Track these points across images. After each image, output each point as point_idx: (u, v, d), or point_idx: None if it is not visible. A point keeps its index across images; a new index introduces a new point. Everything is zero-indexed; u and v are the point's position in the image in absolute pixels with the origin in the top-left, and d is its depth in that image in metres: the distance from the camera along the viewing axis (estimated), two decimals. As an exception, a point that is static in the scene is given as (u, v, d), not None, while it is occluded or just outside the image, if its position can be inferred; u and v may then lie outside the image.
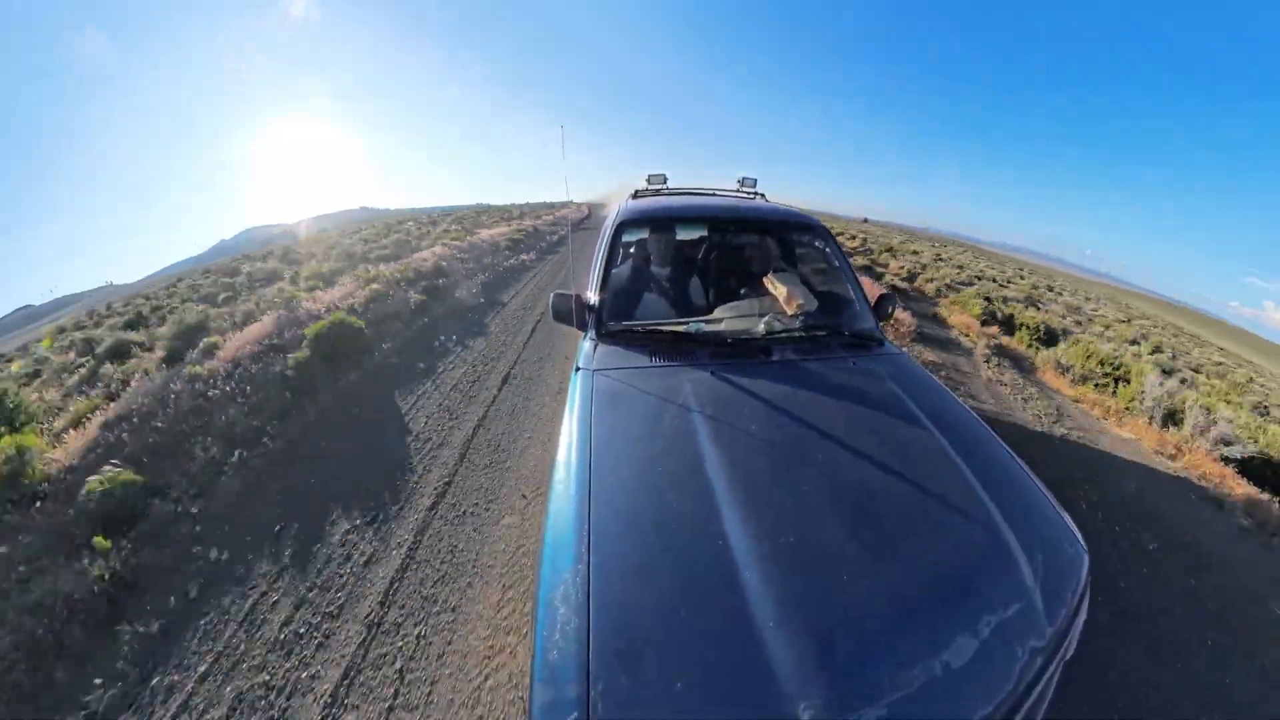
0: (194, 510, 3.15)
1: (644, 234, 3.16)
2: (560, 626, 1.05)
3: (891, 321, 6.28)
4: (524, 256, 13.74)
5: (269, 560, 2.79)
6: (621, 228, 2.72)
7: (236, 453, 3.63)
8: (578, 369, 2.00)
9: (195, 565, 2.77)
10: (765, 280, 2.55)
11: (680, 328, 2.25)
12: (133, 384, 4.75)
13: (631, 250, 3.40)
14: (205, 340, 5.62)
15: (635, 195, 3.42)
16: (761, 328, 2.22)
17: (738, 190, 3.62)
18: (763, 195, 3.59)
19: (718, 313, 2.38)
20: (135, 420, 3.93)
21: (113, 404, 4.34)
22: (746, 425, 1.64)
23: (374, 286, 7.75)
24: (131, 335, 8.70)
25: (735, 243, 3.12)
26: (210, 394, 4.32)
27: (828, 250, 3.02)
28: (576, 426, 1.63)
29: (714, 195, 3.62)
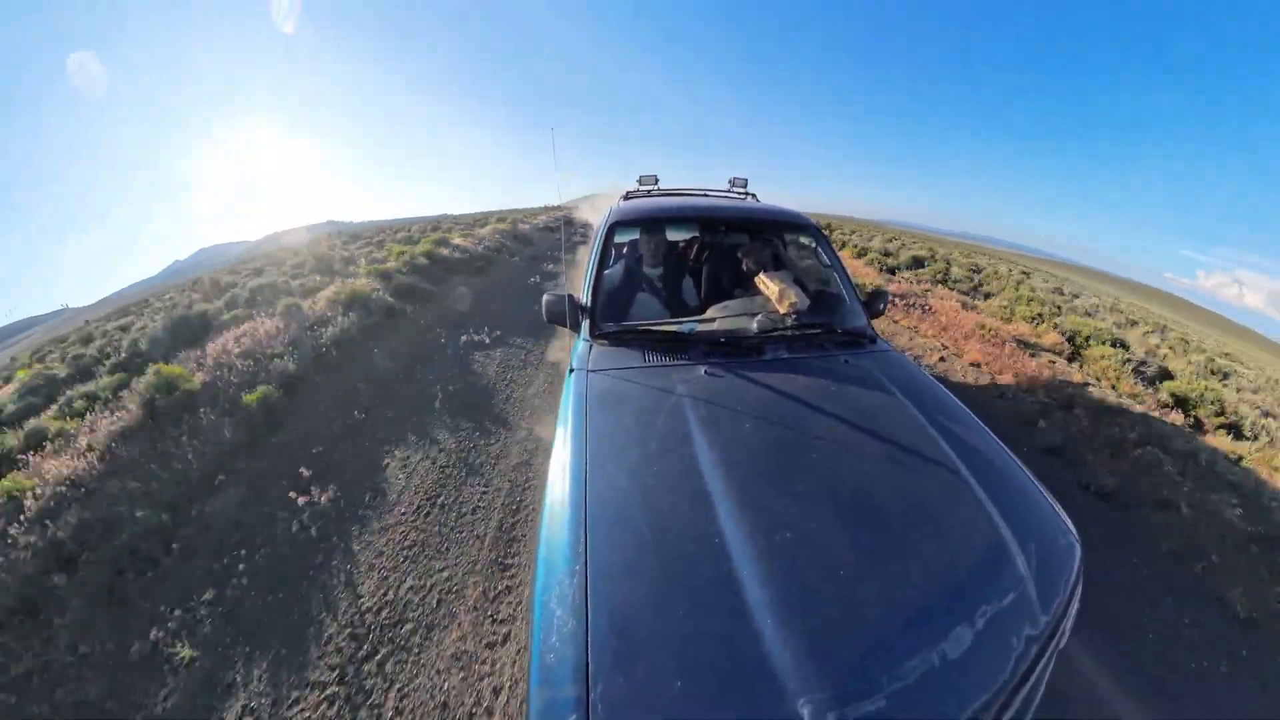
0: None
1: (636, 235, 3.16)
2: (558, 629, 1.04)
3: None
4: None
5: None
6: (614, 228, 2.72)
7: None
8: (572, 370, 2.00)
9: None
10: (757, 279, 2.55)
11: (673, 328, 2.25)
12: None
13: (624, 251, 3.40)
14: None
15: (627, 196, 3.42)
16: (754, 327, 2.22)
17: (728, 190, 3.63)
18: (754, 195, 3.60)
19: (710, 312, 2.39)
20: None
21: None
22: (741, 424, 1.64)
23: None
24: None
25: (727, 242, 3.12)
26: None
27: (819, 249, 3.04)
28: (571, 427, 1.63)
29: (705, 195, 3.63)
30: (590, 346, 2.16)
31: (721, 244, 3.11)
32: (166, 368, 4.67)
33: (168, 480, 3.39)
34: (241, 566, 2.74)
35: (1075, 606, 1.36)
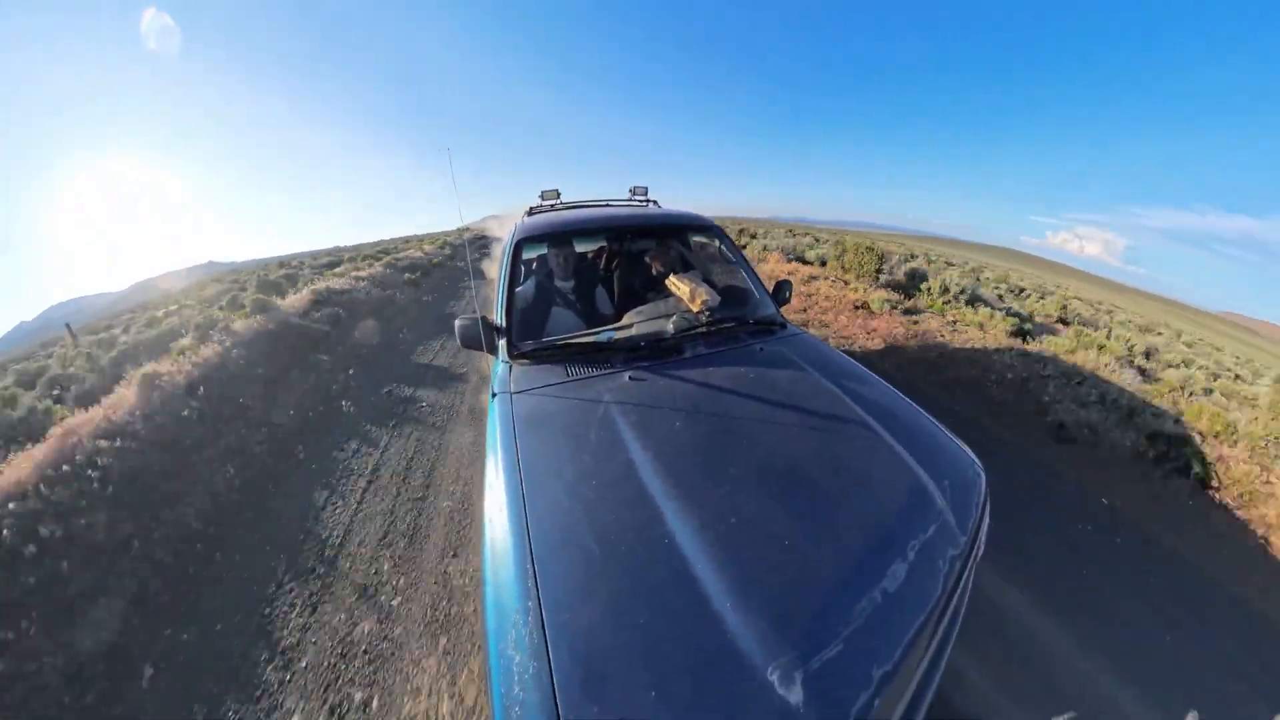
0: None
1: (543, 250, 3.12)
2: (519, 677, 0.99)
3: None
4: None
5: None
6: (520, 245, 2.67)
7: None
8: (494, 395, 1.93)
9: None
10: (668, 282, 2.61)
11: (592, 338, 2.25)
12: None
13: (533, 267, 3.35)
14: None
15: (530, 212, 3.38)
16: (671, 328, 2.26)
17: (630, 199, 3.70)
18: (655, 201, 3.69)
19: (626, 319, 2.41)
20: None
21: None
22: (671, 423, 1.67)
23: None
24: None
25: (635, 249, 3.17)
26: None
27: (723, 247, 3.17)
28: (501, 455, 1.57)
29: (608, 205, 3.67)
30: (510, 368, 2.11)
31: (629, 251, 3.15)
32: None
33: None
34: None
35: (986, 522, 1.56)
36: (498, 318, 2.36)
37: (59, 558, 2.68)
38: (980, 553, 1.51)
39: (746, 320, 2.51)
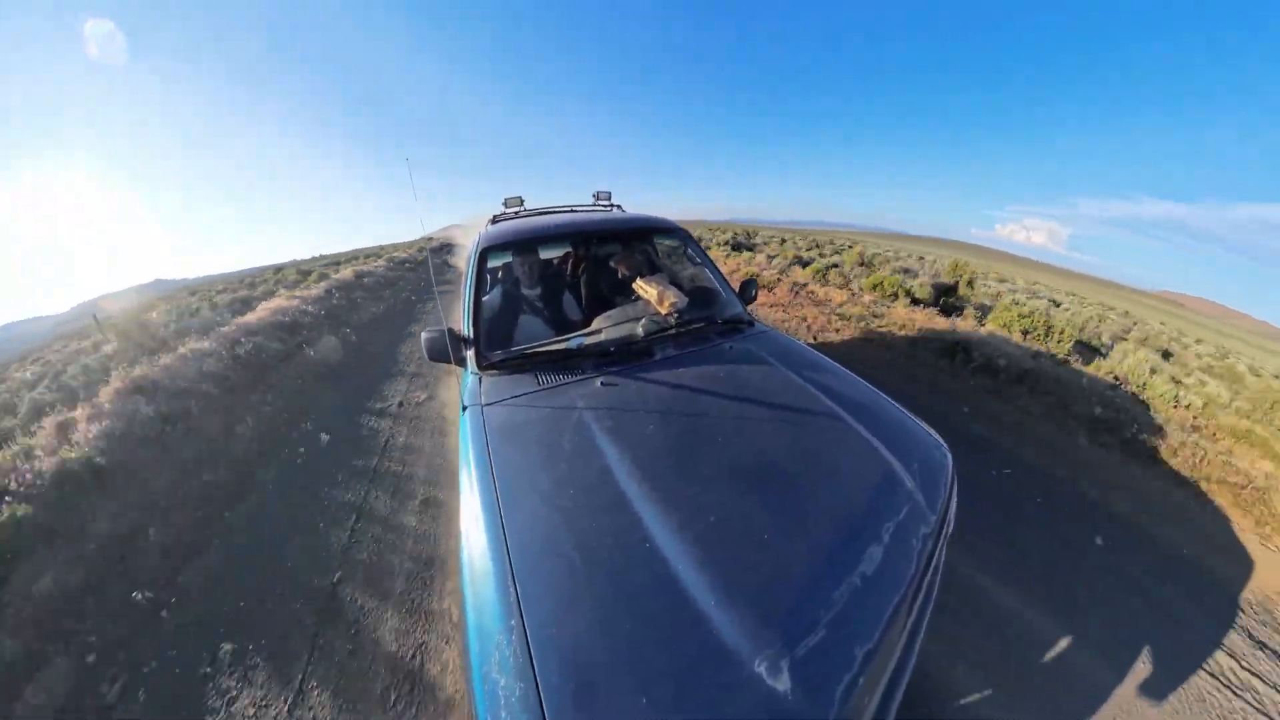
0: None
1: (508, 258, 3.09)
2: (505, 701, 0.97)
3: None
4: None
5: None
6: (485, 254, 2.63)
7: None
8: (465, 407, 1.90)
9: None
10: (635, 285, 2.62)
11: (562, 345, 2.23)
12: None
13: (499, 275, 3.32)
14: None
15: (494, 220, 3.34)
16: (640, 331, 2.28)
17: (594, 204, 3.69)
18: (619, 206, 3.70)
19: (595, 324, 2.40)
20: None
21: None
22: (644, 426, 1.67)
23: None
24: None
25: (601, 254, 3.17)
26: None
27: (688, 249, 3.20)
28: (475, 469, 1.54)
29: (572, 211, 3.66)
30: (480, 379, 2.07)
31: (595, 256, 3.15)
32: None
33: None
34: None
35: (955, 501, 1.64)
36: (465, 328, 2.32)
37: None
38: (950, 530, 1.59)
39: (715, 320, 2.54)
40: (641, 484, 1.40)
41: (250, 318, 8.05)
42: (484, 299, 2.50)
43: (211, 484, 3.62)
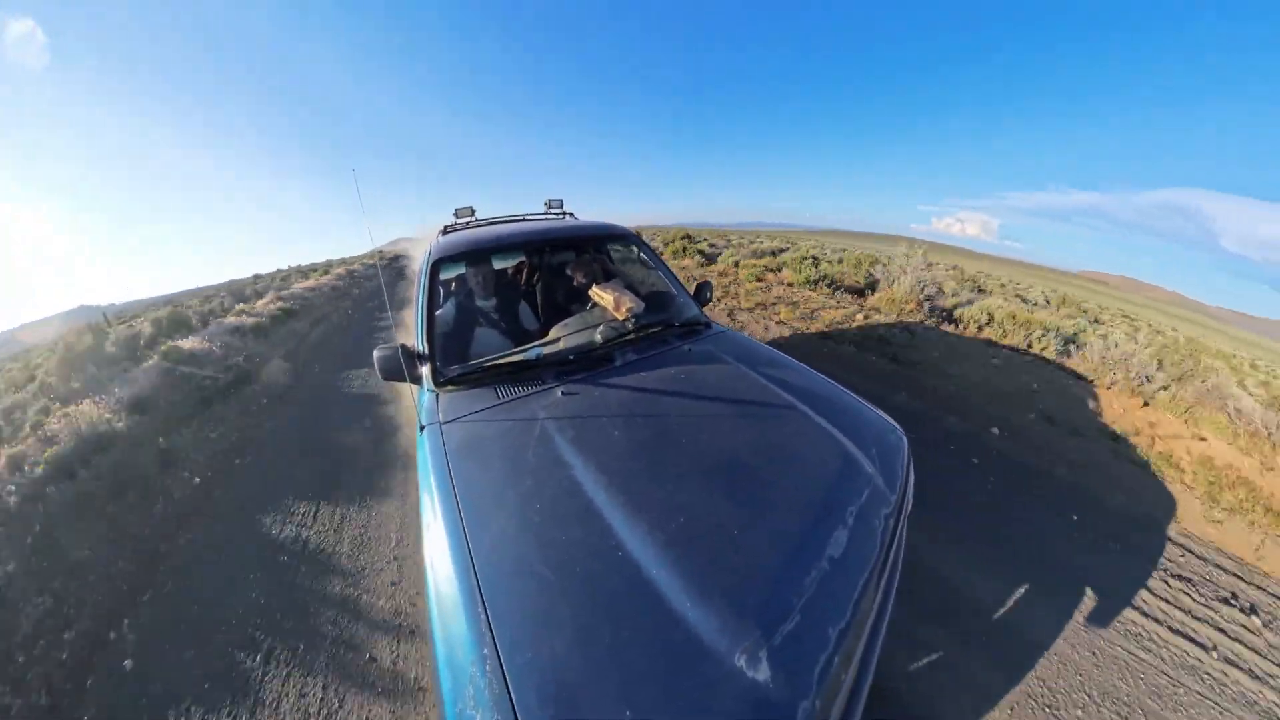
0: None
1: (461, 269, 3.03)
2: None
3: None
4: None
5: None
6: (437, 266, 2.55)
7: None
8: (422, 427, 1.85)
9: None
10: (591, 292, 2.62)
11: (520, 356, 2.20)
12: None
13: (453, 288, 3.25)
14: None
15: (445, 231, 3.26)
16: (598, 337, 2.28)
17: (546, 212, 3.66)
18: (571, 214, 3.68)
19: (553, 333, 2.38)
20: None
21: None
22: (609, 433, 1.68)
23: None
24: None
25: (555, 262, 3.15)
26: None
27: (642, 254, 3.22)
28: (437, 491, 1.49)
29: (524, 220, 3.62)
30: (437, 396, 2.01)
31: (550, 265, 3.13)
32: None
33: None
34: None
35: (912, 479, 1.74)
36: (418, 344, 2.25)
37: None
38: (909, 507, 1.68)
39: (672, 323, 2.56)
40: (609, 491, 1.40)
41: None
42: (437, 313, 2.44)
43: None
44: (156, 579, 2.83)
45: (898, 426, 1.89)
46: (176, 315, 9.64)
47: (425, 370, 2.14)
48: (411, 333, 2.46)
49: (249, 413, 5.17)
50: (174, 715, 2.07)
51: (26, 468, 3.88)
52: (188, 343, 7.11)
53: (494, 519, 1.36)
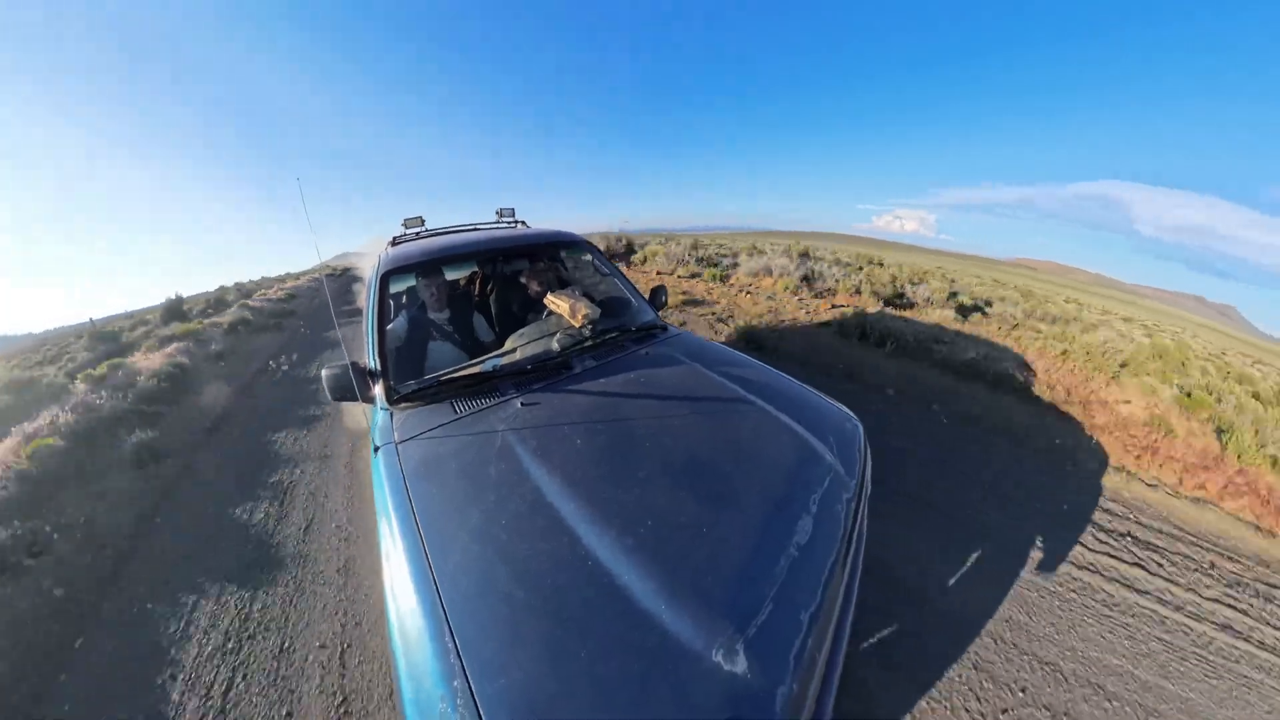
0: None
1: (412, 281, 2.96)
2: None
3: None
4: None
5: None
6: (387, 278, 2.47)
7: None
8: (376, 448, 1.77)
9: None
10: (547, 300, 2.60)
11: (477, 369, 2.16)
12: None
13: (404, 301, 3.17)
14: None
15: (394, 242, 3.16)
16: (556, 346, 2.27)
17: (497, 221, 3.61)
18: (523, 222, 3.65)
19: (509, 343, 2.35)
20: None
21: None
22: (571, 441, 1.67)
23: None
24: None
25: (509, 272, 3.12)
26: None
27: (596, 261, 3.24)
28: (395, 515, 1.42)
29: (476, 230, 3.56)
30: (391, 415, 1.94)
31: (504, 274, 3.10)
32: None
33: None
34: None
35: (870, 465, 1.82)
36: (370, 361, 2.17)
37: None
38: (869, 491, 1.76)
39: (629, 328, 2.58)
40: (575, 501, 1.39)
41: None
42: (389, 327, 2.37)
43: None
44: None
45: (853, 415, 1.97)
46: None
47: (378, 388, 2.07)
48: (361, 349, 2.38)
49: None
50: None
51: None
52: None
53: (457, 540, 1.31)
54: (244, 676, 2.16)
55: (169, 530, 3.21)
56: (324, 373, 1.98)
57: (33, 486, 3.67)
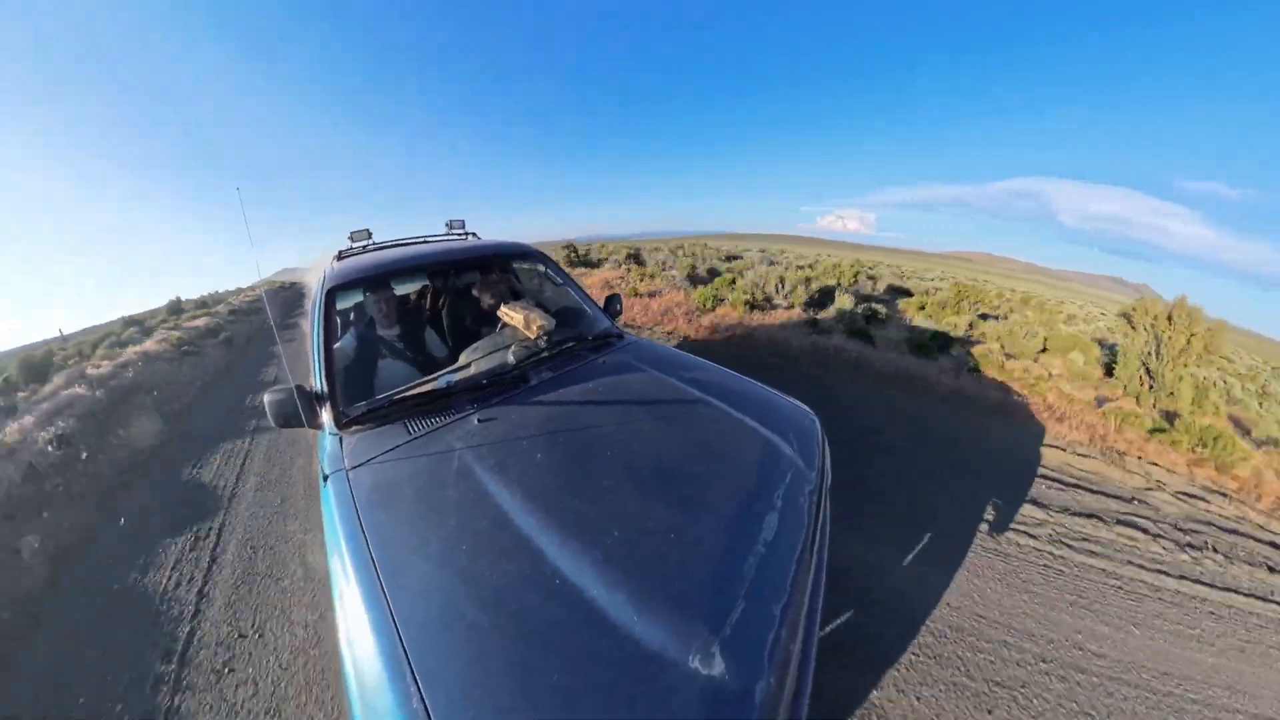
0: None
1: (360, 297, 2.86)
2: None
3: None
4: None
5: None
6: (333, 294, 2.34)
7: None
8: (325, 476, 1.67)
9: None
10: (500, 313, 2.56)
11: (430, 386, 2.09)
12: None
13: (351, 318, 3.05)
14: None
15: (340, 256, 3.03)
16: (511, 359, 2.22)
17: (447, 234, 3.51)
18: (474, 234, 3.56)
19: (463, 358, 2.29)
20: None
21: None
22: (531, 455, 1.63)
23: None
24: None
25: (460, 285, 3.05)
26: None
27: (549, 271, 3.20)
28: (347, 549, 1.33)
29: (425, 242, 3.45)
30: (340, 440, 1.84)
31: (455, 287, 3.03)
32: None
33: None
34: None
35: (829, 457, 1.90)
36: (316, 383, 2.06)
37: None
38: (829, 482, 1.82)
39: (585, 337, 2.56)
40: (539, 516, 1.36)
41: None
42: (336, 346, 2.26)
43: None
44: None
45: (810, 410, 2.03)
46: None
47: (325, 412, 1.96)
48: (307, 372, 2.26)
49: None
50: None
51: None
52: None
53: (416, 570, 1.24)
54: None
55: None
56: (266, 398, 1.85)
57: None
